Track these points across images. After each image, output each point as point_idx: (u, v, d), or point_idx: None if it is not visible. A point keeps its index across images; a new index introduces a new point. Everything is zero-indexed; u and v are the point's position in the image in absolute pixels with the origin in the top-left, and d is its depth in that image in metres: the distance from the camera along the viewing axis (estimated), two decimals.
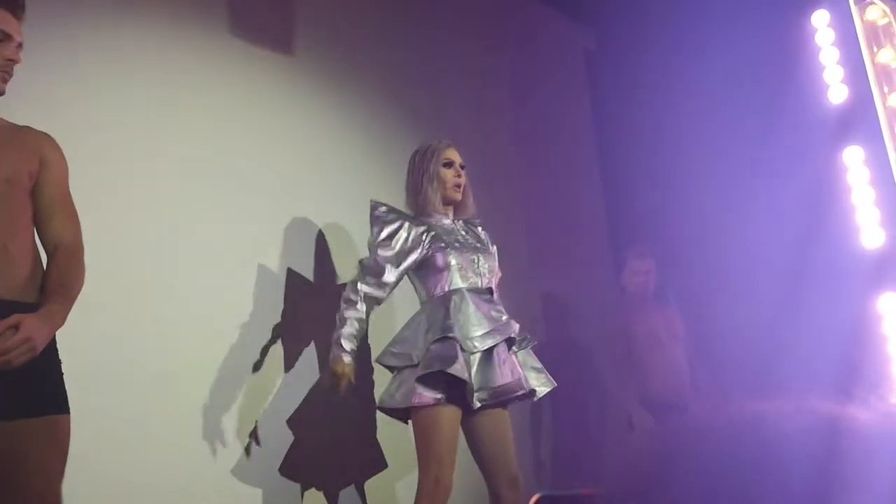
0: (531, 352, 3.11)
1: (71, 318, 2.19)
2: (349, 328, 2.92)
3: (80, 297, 2.27)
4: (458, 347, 2.84)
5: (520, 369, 2.98)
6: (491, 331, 2.92)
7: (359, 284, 2.96)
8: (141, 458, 2.98)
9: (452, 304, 2.92)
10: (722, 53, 4.19)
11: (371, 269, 2.97)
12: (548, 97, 4.99)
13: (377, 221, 3.02)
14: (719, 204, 4.26)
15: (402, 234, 3.00)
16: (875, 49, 3.95)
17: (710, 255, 4.29)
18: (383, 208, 3.06)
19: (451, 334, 2.85)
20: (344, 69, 4.06)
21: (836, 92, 4.00)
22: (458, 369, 2.79)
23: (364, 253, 3.16)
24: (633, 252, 4.43)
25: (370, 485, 3.57)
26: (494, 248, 3.21)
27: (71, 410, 2.21)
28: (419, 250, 2.99)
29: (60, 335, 2.20)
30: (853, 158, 3.93)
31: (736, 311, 4.08)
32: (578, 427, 4.63)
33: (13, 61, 2.23)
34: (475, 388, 2.86)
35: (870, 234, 3.83)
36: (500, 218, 4.24)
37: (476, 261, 3.05)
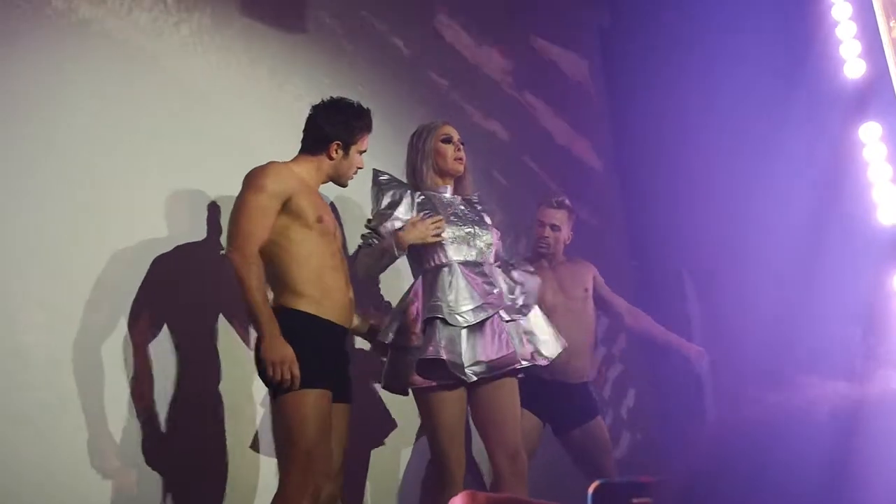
0: (536, 316, 3.14)
1: None
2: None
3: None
4: (439, 326, 2.87)
5: (512, 343, 2.99)
6: (482, 304, 2.95)
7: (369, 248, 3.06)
8: (152, 436, 3.01)
9: (442, 279, 2.96)
10: (738, 29, 4.15)
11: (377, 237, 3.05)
12: (562, 75, 4.96)
13: (379, 190, 3.09)
14: (734, 180, 4.22)
15: (402, 204, 3.07)
16: (892, 23, 3.89)
17: (724, 232, 4.26)
18: (384, 177, 3.13)
19: (437, 315, 2.89)
20: (357, 47, 4.05)
21: (853, 67, 3.94)
22: (430, 352, 2.84)
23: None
24: (547, 199, 3.82)
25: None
26: (491, 224, 3.23)
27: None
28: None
29: None
30: (870, 134, 3.88)
31: (751, 288, 4.05)
32: None
33: (360, 168, 3.02)
34: (467, 363, 2.88)
35: (886, 210, 3.79)
36: (512, 200, 4.22)
37: (472, 234, 3.08)
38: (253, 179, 2.78)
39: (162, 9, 3.46)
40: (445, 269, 2.99)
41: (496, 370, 2.95)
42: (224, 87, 3.60)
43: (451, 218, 3.09)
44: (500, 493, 2.81)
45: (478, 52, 4.59)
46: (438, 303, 2.92)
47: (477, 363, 2.91)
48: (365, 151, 3.01)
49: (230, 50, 3.65)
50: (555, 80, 4.95)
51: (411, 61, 4.26)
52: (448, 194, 3.17)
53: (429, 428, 2.95)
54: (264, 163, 2.84)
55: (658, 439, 4.42)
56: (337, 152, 2.93)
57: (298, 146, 3.00)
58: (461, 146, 3.20)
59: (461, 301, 2.93)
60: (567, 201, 3.80)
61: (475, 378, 2.91)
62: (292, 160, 2.94)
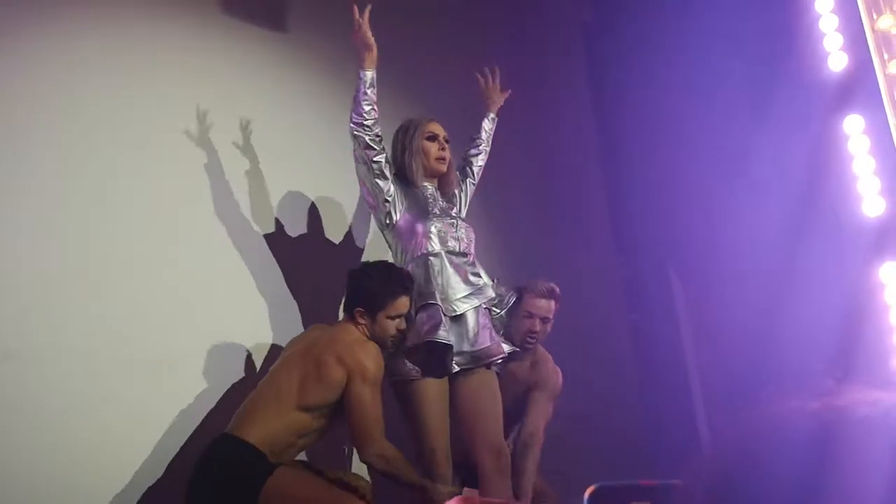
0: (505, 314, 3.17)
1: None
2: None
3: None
4: (441, 312, 2.89)
5: (495, 335, 3.03)
6: (469, 294, 2.97)
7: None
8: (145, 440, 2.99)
9: (432, 267, 2.96)
10: (721, 22, 4.15)
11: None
12: (545, 70, 4.95)
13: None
14: (719, 174, 4.22)
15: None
16: (875, 16, 3.89)
17: (710, 226, 4.26)
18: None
19: (431, 301, 2.88)
20: (338, 46, 4.02)
21: (836, 60, 3.94)
22: (442, 336, 2.85)
23: (360, 231, 3.17)
24: (538, 288, 3.37)
25: None
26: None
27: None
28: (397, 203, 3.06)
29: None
30: (853, 127, 3.88)
31: (737, 282, 4.05)
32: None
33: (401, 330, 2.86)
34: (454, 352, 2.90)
35: (871, 203, 3.80)
36: (494, 195, 4.21)
37: (455, 226, 3.10)
38: (372, 370, 2.72)
39: (140, 4, 3.44)
40: (433, 258, 2.99)
41: (479, 361, 2.95)
42: (203, 85, 3.57)
43: (436, 211, 3.09)
44: (485, 489, 2.79)
45: (462, 46, 4.56)
46: (432, 289, 2.92)
47: (461, 353, 2.92)
48: (401, 315, 2.85)
49: (210, 48, 3.62)
50: (540, 76, 4.92)
51: (395, 57, 4.23)
52: (430, 191, 3.16)
53: (415, 422, 2.90)
54: (365, 340, 2.80)
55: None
56: (363, 318, 2.83)
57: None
58: (446, 144, 3.18)
59: (450, 289, 2.95)
60: (557, 289, 3.40)
61: (456, 369, 2.91)
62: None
